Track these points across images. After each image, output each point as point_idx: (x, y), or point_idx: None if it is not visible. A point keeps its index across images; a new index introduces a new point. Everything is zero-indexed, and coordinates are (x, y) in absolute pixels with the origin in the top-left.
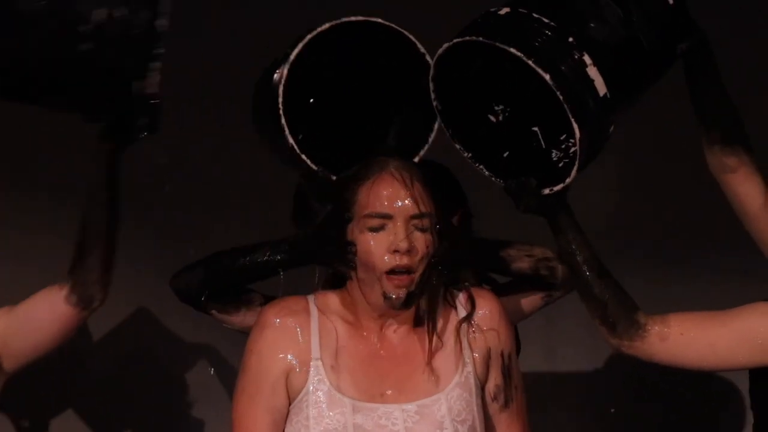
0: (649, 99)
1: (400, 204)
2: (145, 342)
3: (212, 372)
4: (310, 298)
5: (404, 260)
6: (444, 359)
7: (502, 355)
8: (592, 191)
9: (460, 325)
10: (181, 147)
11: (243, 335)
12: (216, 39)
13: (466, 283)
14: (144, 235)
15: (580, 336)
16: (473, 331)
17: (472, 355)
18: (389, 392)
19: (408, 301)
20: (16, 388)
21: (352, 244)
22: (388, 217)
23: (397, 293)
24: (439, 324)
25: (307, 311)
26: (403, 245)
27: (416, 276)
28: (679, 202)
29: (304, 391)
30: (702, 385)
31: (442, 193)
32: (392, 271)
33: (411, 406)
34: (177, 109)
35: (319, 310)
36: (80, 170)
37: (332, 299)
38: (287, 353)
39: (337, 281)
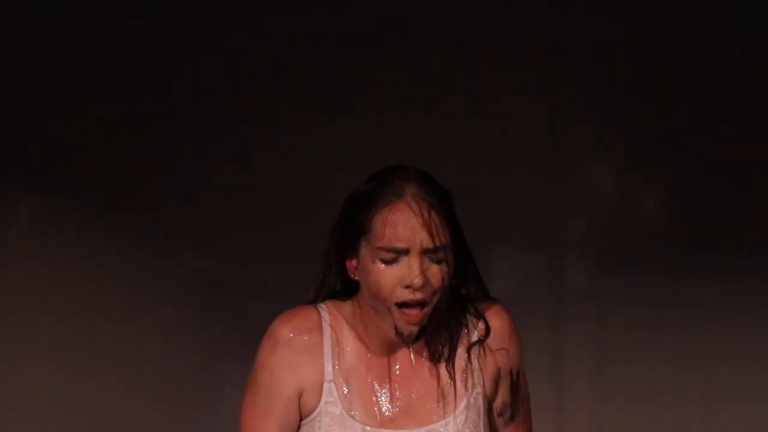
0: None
1: (415, 237)
2: (150, 347)
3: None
4: (322, 309)
5: (417, 295)
6: (454, 381)
7: (510, 373)
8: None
9: (471, 347)
10: (185, 150)
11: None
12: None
13: (475, 300)
14: (146, 236)
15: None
16: (483, 352)
17: (482, 376)
18: (399, 417)
19: (419, 336)
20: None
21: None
22: (403, 252)
23: (409, 330)
24: (450, 345)
25: (320, 328)
26: (417, 282)
27: (428, 309)
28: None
29: (316, 411)
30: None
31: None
32: (404, 304)
33: (421, 431)
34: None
35: (331, 326)
36: (118, 175)
37: (343, 311)
38: (301, 373)
39: (346, 287)
